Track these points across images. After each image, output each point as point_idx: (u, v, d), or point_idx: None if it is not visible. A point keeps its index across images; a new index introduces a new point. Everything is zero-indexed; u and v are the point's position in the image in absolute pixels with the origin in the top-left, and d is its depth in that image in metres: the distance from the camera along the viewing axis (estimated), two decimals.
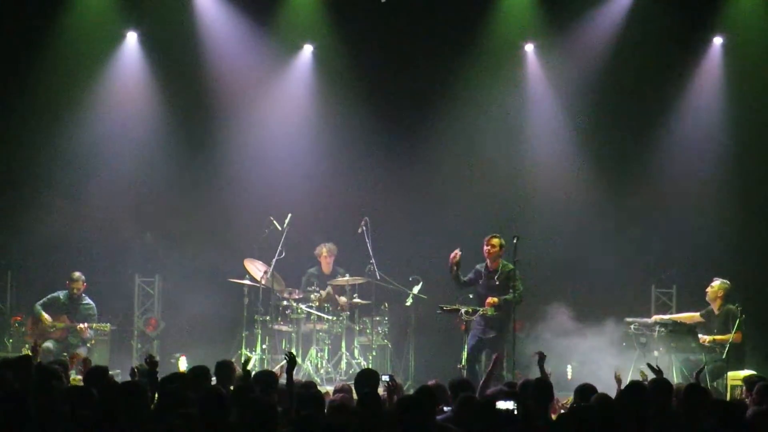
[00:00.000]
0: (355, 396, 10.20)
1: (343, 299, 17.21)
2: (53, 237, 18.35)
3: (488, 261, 15.26)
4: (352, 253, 17.54)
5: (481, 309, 14.82)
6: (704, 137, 18.49)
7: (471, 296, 15.44)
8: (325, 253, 17.60)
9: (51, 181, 18.77)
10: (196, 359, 15.49)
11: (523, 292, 14.96)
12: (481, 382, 11.47)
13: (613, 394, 10.19)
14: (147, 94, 19.06)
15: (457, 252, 15.13)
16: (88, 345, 16.99)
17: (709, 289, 15.73)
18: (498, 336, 14.85)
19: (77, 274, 17.02)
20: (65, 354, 16.17)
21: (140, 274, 18.96)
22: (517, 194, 18.68)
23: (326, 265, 17.64)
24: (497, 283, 15.06)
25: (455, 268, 15.14)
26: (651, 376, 11.19)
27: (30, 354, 12.49)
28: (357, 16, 18.57)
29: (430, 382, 10.28)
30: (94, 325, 16.87)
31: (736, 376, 14.30)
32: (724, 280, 15.71)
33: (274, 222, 17.18)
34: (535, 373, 11.48)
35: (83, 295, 17.07)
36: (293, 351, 16.42)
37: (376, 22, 18.45)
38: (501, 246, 15.16)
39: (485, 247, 15.22)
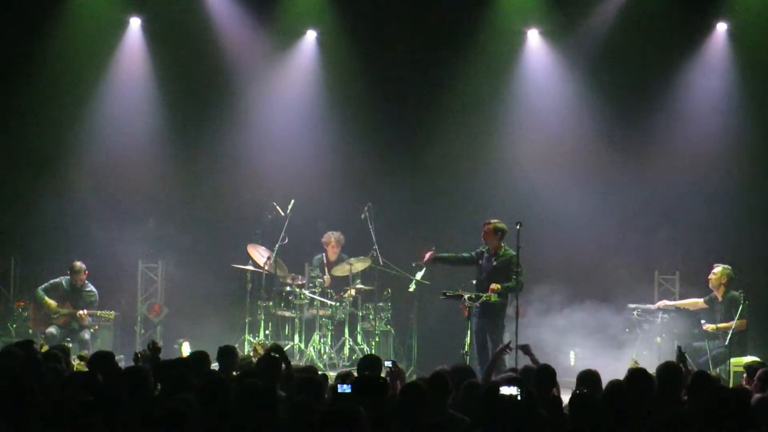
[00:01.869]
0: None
1: (352, 291, 17.22)
2: (57, 222, 18.37)
3: (487, 244, 15.25)
4: (355, 238, 17.56)
5: (484, 295, 14.80)
6: (709, 123, 18.44)
7: (474, 282, 15.42)
8: (333, 242, 17.61)
9: (54, 166, 18.76)
10: (199, 345, 15.49)
11: (524, 279, 14.93)
12: (486, 367, 11.49)
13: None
14: (150, 80, 19.07)
15: (425, 256, 15.21)
16: (92, 330, 17.02)
17: (711, 276, 15.72)
18: (491, 321, 14.84)
19: (78, 264, 16.92)
20: (68, 339, 16.25)
21: (144, 260, 18.98)
22: (520, 180, 18.63)
23: (333, 253, 17.66)
24: (495, 264, 15.05)
25: (429, 264, 15.22)
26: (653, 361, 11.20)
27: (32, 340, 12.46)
28: (360, 1, 18.54)
29: (439, 368, 10.28)
30: (98, 312, 16.87)
31: (739, 362, 14.29)
32: (726, 266, 15.70)
33: (277, 208, 17.21)
34: (540, 359, 11.54)
35: (86, 282, 17.05)
36: (292, 337, 16.66)
37: (380, 8, 18.42)
38: (496, 230, 15.12)
39: (483, 229, 15.23)
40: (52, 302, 16.82)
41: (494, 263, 15.09)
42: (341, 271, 17.35)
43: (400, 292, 17.18)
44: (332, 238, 17.63)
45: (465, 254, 15.38)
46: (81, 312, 16.72)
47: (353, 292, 17.22)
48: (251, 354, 13.11)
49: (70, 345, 15.93)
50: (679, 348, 11.57)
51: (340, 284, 17.48)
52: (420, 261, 15.39)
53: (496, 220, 15.23)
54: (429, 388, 8.85)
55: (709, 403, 8.55)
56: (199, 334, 17.22)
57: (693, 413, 8.64)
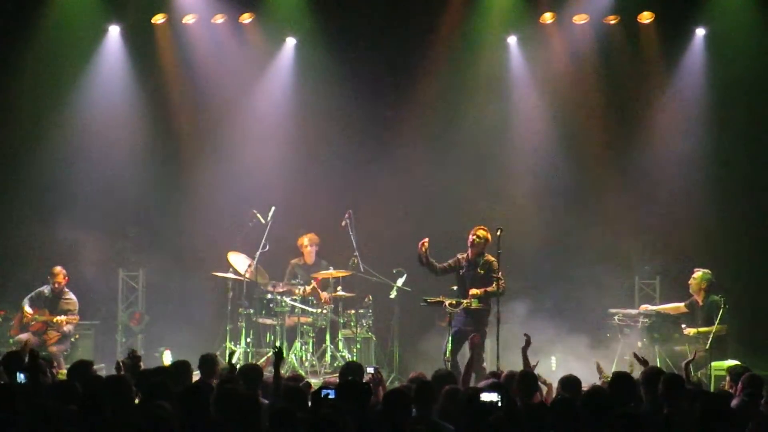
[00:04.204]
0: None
1: (325, 294, 17.18)
2: (36, 230, 18.30)
3: (470, 251, 15.22)
4: (336, 246, 17.52)
5: (465, 301, 14.80)
6: (686, 129, 18.51)
7: (454, 288, 15.42)
8: (307, 243, 17.59)
9: (34, 175, 18.71)
10: (180, 353, 15.49)
11: (506, 284, 14.93)
12: (462, 374, 11.49)
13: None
14: (130, 88, 19.03)
15: (425, 242, 15.11)
16: (73, 339, 17.03)
17: (691, 281, 15.78)
18: (476, 328, 14.82)
19: (58, 268, 17.02)
20: (41, 348, 16.18)
21: (124, 269, 18.95)
22: (501, 186, 18.68)
23: (308, 255, 17.64)
24: (481, 272, 15.04)
25: (424, 259, 15.14)
26: (635, 366, 11.25)
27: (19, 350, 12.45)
28: (340, 9, 18.54)
29: (412, 374, 10.26)
30: (65, 318, 16.73)
31: (720, 366, 14.34)
32: (706, 270, 15.76)
33: (258, 215, 17.16)
34: (518, 365, 11.51)
35: (66, 289, 17.04)
36: (274, 344, 16.59)
37: (359, 16, 18.42)
38: (485, 239, 15.11)
39: (470, 237, 15.18)
40: (28, 312, 16.80)
41: (479, 270, 15.07)
42: (321, 275, 17.31)
43: (381, 298, 17.17)
44: (305, 239, 17.60)
45: (445, 264, 15.35)
46: (59, 318, 16.69)
47: (326, 295, 17.15)
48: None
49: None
50: (634, 354, 11.65)
51: (318, 283, 17.40)
52: (419, 251, 15.18)
53: (483, 228, 15.20)
54: (414, 394, 8.86)
55: (690, 406, 8.58)
56: (180, 343, 17.20)
57: (671, 416, 8.68)
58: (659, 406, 9.25)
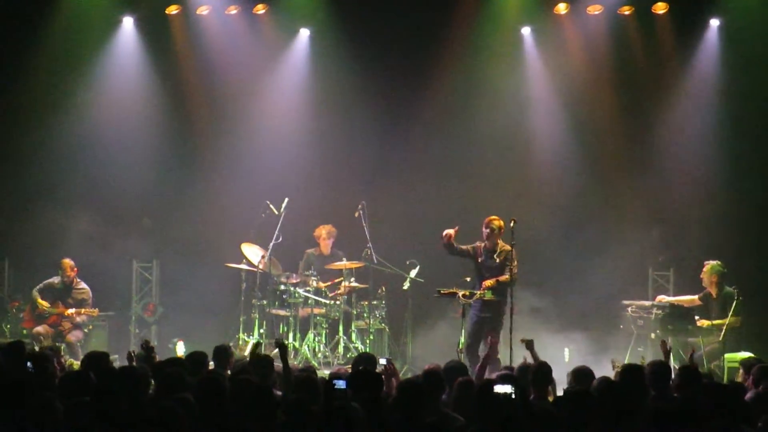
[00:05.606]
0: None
1: (345, 285, 17.13)
2: (51, 222, 18.33)
3: (487, 241, 15.21)
4: (350, 237, 17.54)
5: (479, 292, 14.79)
6: (701, 120, 18.46)
7: (468, 279, 15.41)
8: (324, 234, 17.59)
9: (48, 166, 18.73)
10: (194, 344, 15.51)
11: (519, 274, 14.89)
12: (478, 366, 11.47)
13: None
14: (143, 79, 19.05)
15: (451, 233, 15.05)
16: (86, 330, 17.08)
17: (703, 274, 15.72)
18: (493, 317, 14.82)
19: (66, 261, 17.04)
20: (59, 339, 16.27)
21: (138, 260, 18.99)
22: (515, 177, 18.66)
23: (325, 246, 17.64)
24: (497, 262, 15.02)
25: (449, 245, 15.11)
26: (648, 358, 11.23)
27: (22, 340, 12.49)
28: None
29: (427, 366, 10.25)
30: (83, 310, 16.82)
31: (734, 358, 14.31)
32: (716, 262, 15.69)
33: (271, 206, 17.18)
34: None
35: (78, 279, 17.09)
36: (287, 335, 16.62)
37: (373, 7, 18.38)
38: (500, 228, 15.09)
39: (484, 229, 15.15)
40: (44, 302, 16.86)
41: (496, 260, 15.06)
42: (335, 266, 17.30)
43: (395, 290, 17.19)
44: (323, 231, 17.61)
45: (464, 247, 15.33)
46: (70, 311, 16.72)
47: (344, 288, 17.14)
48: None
49: (62, 346, 15.99)
50: (663, 342, 11.63)
51: (333, 277, 17.38)
52: (449, 234, 15.12)
53: (496, 218, 15.18)
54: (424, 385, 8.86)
55: (702, 398, 8.56)
56: (193, 334, 17.25)
57: (683, 408, 8.65)
58: (669, 398, 9.23)
